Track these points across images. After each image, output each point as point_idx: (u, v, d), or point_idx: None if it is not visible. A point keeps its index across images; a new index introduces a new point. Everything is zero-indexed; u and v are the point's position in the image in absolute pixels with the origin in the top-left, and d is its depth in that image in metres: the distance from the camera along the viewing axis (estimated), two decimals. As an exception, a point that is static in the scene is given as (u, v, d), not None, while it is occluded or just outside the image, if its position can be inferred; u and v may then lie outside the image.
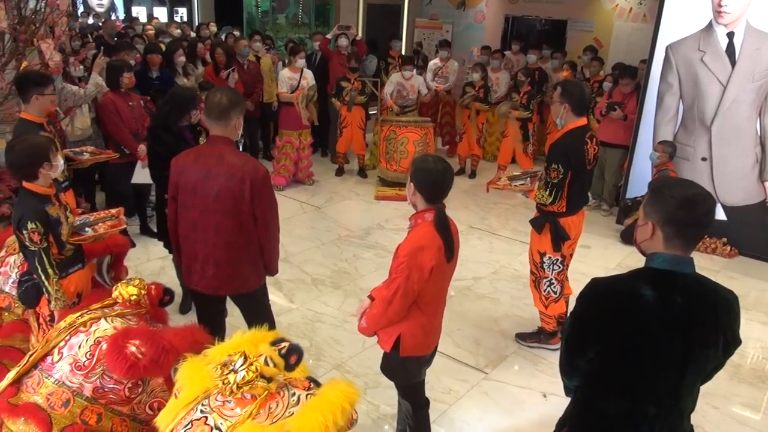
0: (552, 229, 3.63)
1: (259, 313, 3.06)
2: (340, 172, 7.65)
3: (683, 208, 1.68)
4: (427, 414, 2.78)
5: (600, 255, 5.60)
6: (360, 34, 10.56)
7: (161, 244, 4.07)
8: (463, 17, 10.99)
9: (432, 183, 2.40)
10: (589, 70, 7.63)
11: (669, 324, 1.71)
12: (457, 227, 2.56)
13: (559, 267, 3.76)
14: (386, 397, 3.39)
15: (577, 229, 3.73)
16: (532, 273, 3.88)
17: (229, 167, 2.71)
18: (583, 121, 3.50)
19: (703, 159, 5.79)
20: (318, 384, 2.12)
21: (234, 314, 3.22)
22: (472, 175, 7.76)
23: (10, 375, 2.50)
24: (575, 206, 3.63)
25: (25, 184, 2.72)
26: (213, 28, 8.66)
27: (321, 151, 8.38)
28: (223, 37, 8.30)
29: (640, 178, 6.12)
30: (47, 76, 3.60)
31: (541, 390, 3.59)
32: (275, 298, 3.31)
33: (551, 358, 3.89)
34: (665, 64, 5.83)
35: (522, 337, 4.07)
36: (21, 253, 2.96)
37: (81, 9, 9.06)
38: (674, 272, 1.73)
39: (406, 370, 2.60)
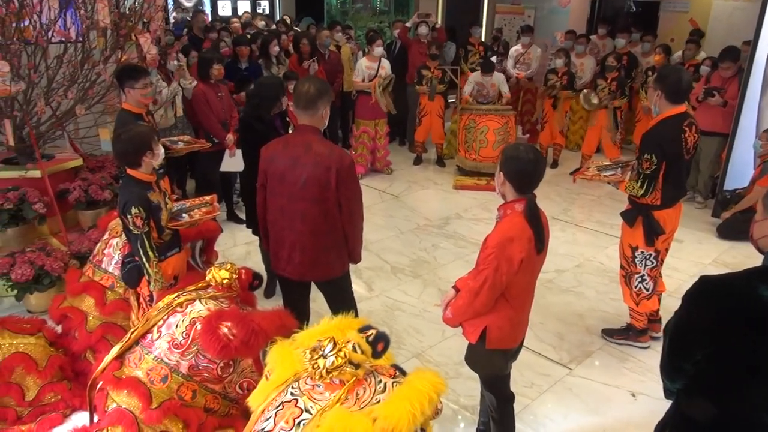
0: (645, 223, 3.45)
1: (342, 300, 3.11)
2: (418, 161, 7.62)
3: None
4: (512, 408, 2.73)
5: (694, 250, 5.28)
6: (439, 21, 10.45)
7: (247, 230, 4.21)
8: (546, 1, 10.62)
9: (523, 172, 2.33)
10: (684, 53, 7.18)
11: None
12: (547, 218, 2.48)
13: (653, 263, 3.57)
14: (467, 388, 3.36)
15: (674, 223, 3.52)
16: (622, 267, 3.71)
17: (315, 156, 2.76)
18: (680, 108, 3.29)
19: (814, 148, 5.32)
20: (403, 372, 2.13)
21: (317, 300, 3.28)
22: (554, 164, 7.52)
23: (114, 350, 2.68)
24: (671, 198, 3.43)
25: (129, 171, 2.88)
26: (287, 20, 8.82)
27: (399, 140, 8.39)
28: (304, 28, 8.46)
29: (739, 169, 5.72)
30: (140, 70, 3.78)
31: (629, 389, 3.45)
32: (355, 285, 3.36)
33: (640, 356, 3.73)
34: (773, 45, 5.38)
35: (609, 334, 3.91)
36: (123, 236, 3.15)
37: (171, 4, 9.49)
38: None
39: (491, 362, 2.56)
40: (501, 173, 2.39)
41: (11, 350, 3.02)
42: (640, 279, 3.63)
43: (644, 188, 3.33)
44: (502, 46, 8.73)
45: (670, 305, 4.21)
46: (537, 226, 2.34)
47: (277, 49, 6.42)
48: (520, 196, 2.37)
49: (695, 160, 6.13)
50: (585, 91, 6.85)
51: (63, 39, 4.30)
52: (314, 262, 2.95)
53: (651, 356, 3.70)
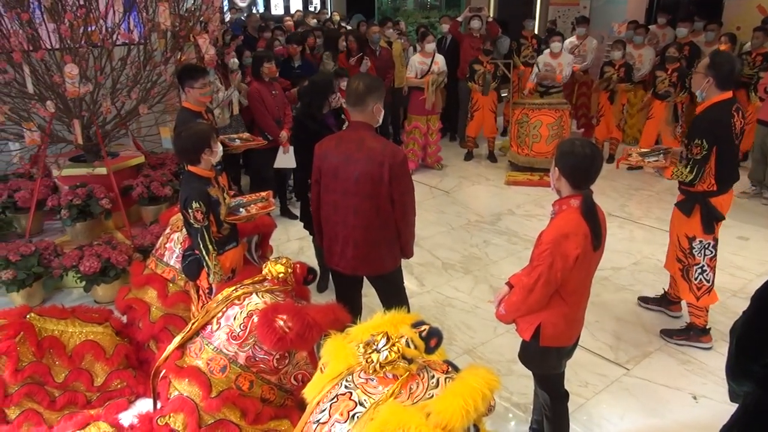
0: (703, 210, 3.39)
1: (394, 295, 3.14)
2: (469, 156, 7.57)
3: None
4: (566, 407, 2.68)
5: (760, 248, 5.04)
6: (491, 14, 10.30)
7: (300, 225, 4.29)
8: (602, -9, 10.31)
9: (579, 168, 2.29)
10: (751, 42, 6.83)
11: None
12: (604, 214, 2.43)
13: (711, 252, 3.50)
14: (519, 386, 3.33)
15: (727, 208, 3.47)
16: (679, 261, 3.61)
17: (368, 151, 2.78)
18: (728, 94, 3.29)
19: None
20: (456, 368, 2.13)
21: (369, 295, 3.32)
22: (610, 159, 7.30)
23: (176, 340, 2.79)
24: (726, 184, 3.39)
25: (189, 167, 2.99)
26: (336, 17, 8.89)
27: (449, 136, 8.34)
28: (355, 25, 8.52)
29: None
30: (199, 69, 3.89)
31: (690, 391, 3.33)
32: (406, 281, 3.38)
33: (702, 357, 3.60)
34: None
35: (668, 334, 3.79)
36: (184, 231, 3.27)
37: (226, 4, 9.72)
38: None
39: (545, 360, 2.53)
40: (556, 168, 2.35)
41: (81, 338, 3.18)
42: (699, 270, 3.54)
43: (694, 174, 3.29)
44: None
45: (734, 305, 4.07)
46: (594, 222, 2.29)
47: (344, 44, 6.56)
48: (576, 192, 2.32)
49: (763, 154, 5.86)
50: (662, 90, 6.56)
51: (126, 41, 4.48)
52: (366, 256, 2.98)
53: (714, 358, 3.57)
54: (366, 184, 2.80)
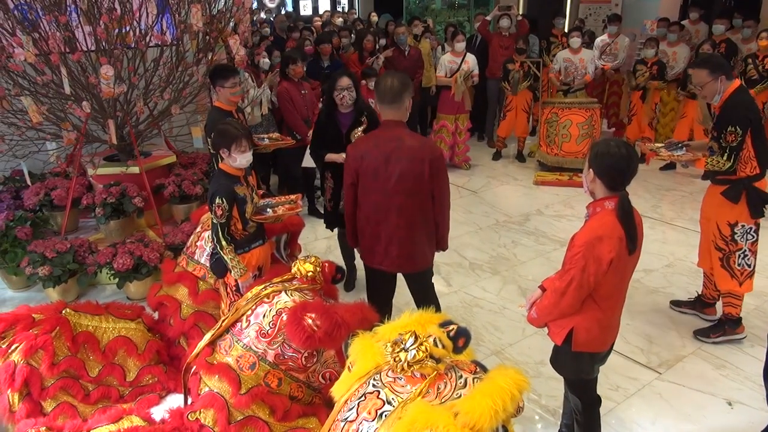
0: (750, 195, 3.40)
1: (428, 291, 3.19)
2: (497, 156, 7.51)
3: None
4: (598, 413, 2.63)
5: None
6: (520, 12, 10.21)
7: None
8: (634, -12, 10.12)
9: (614, 169, 2.24)
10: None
11: None
12: (640, 217, 2.38)
13: (753, 236, 3.52)
14: (548, 388, 3.29)
15: None
16: (719, 250, 3.57)
17: (409, 150, 2.82)
18: (738, 81, 3.38)
19: None
20: (484, 369, 2.12)
21: (396, 295, 3.31)
22: (642, 159, 7.17)
23: (207, 337, 2.83)
24: (765, 166, 3.41)
25: (220, 164, 3.03)
26: (374, 18, 8.89)
27: (477, 135, 8.29)
28: (383, 25, 8.52)
29: None
30: (230, 69, 3.93)
31: (725, 397, 3.25)
32: (433, 280, 3.38)
33: (738, 362, 3.51)
34: None
35: (704, 334, 3.71)
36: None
37: (255, 5, 9.84)
38: None
39: (577, 365, 2.48)
40: (590, 170, 2.30)
41: (115, 334, 3.26)
42: (742, 255, 3.53)
43: (731, 161, 3.33)
44: (587, 36, 8.40)
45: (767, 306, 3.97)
46: (629, 224, 2.25)
47: (369, 45, 6.58)
48: (611, 194, 2.28)
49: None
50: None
51: (159, 43, 4.56)
52: (411, 254, 3.01)
53: (750, 363, 3.48)
54: (408, 182, 2.84)
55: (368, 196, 2.92)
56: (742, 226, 3.48)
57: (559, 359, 2.54)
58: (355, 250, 4.28)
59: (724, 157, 3.32)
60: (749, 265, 3.55)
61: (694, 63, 3.61)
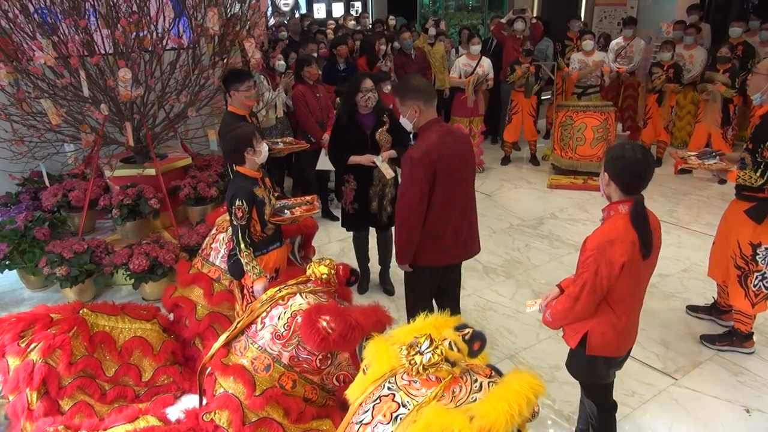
0: None
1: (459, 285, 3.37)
2: (506, 161, 7.47)
3: None
4: (614, 418, 2.62)
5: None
6: (534, 15, 10.17)
7: (340, 226, 4.32)
8: (650, -10, 10.05)
9: (629, 172, 2.22)
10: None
11: None
12: (659, 222, 2.36)
13: None
14: (563, 393, 3.27)
15: None
16: (738, 268, 3.47)
17: (463, 139, 3.02)
18: None
19: None
20: (499, 372, 2.11)
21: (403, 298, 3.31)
22: (658, 163, 7.10)
23: (222, 338, 2.85)
24: None
25: (237, 167, 3.05)
26: (392, 21, 8.89)
27: (491, 138, 8.27)
28: (397, 28, 8.53)
29: None
30: (244, 73, 3.94)
31: (743, 404, 3.21)
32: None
33: (755, 369, 3.46)
34: None
35: (710, 340, 3.68)
36: (230, 231, 3.33)
37: (270, 9, 9.88)
38: None
39: (591, 369, 2.46)
40: (606, 173, 2.29)
41: (131, 334, 3.29)
42: (760, 277, 3.41)
43: (765, 178, 3.17)
44: (602, 39, 8.36)
45: (790, 316, 3.91)
46: (643, 229, 2.22)
47: (384, 47, 6.62)
48: (626, 198, 2.27)
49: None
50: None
51: (176, 46, 4.61)
52: (476, 235, 3.20)
53: (768, 370, 3.44)
54: (470, 170, 3.05)
55: (443, 194, 2.89)
56: (766, 248, 3.35)
57: (574, 363, 2.53)
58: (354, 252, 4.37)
59: (758, 173, 3.17)
60: (766, 288, 3.43)
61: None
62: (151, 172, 4.68)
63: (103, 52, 4.34)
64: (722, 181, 6.50)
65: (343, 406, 2.35)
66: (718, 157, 3.52)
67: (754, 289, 3.44)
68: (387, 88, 5.37)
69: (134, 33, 4.28)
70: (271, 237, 3.15)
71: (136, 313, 3.43)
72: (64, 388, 2.99)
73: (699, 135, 6.58)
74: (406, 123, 2.96)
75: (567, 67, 7.43)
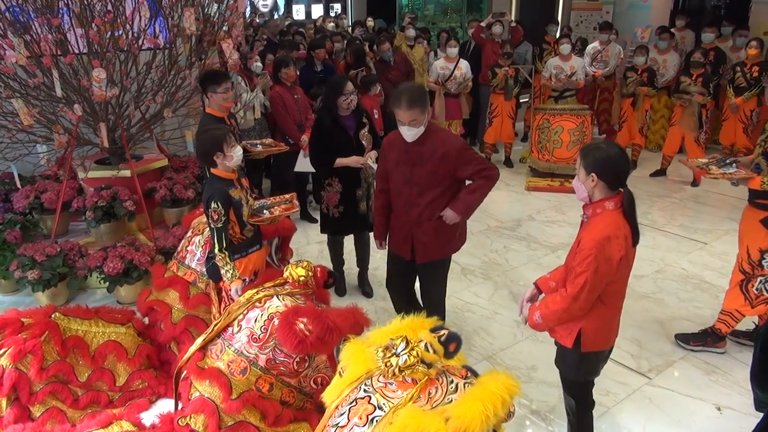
0: None
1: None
2: (486, 162, 7.52)
3: None
4: (591, 415, 2.65)
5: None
6: (512, 19, 10.27)
7: (319, 228, 4.29)
8: (626, -5, 10.21)
9: (616, 169, 2.30)
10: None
11: None
12: None
13: None
14: (539, 393, 3.30)
15: None
16: (743, 272, 3.49)
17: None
18: None
19: None
20: (475, 374, 2.12)
21: (387, 298, 3.32)
22: (633, 165, 7.23)
23: (198, 341, 2.82)
24: None
25: (212, 169, 3.02)
26: (370, 23, 8.88)
27: (470, 141, 8.32)
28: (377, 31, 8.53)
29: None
30: (222, 74, 3.90)
31: (714, 402, 3.27)
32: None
33: (726, 368, 3.53)
34: None
35: (684, 340, 3.74)
36: (205, 234, 3.31)
37: (248, 9, 9.80)
38: None
39: (585, 366, 2.49)
40: (592, 174, 2.31)
41: (104, 338, 3.23)
42: (763, 281, 3.45)
43: None
44: (580, 43, 8.47)
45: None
46: (634, 219, 2.31)
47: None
48: (611, 194, 2.33)
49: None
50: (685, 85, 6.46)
51: (152, 46, 4.55)
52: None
53: (738, 368, 3.50)
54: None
55: None
56: None
57: (567, 361, 2.54)
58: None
59: None
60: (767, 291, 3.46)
61: None
62: (127, 173, 4.61)
63: (77, 51, 4.27)
64: (695, 184, 6.63)
65: (321, 409, 2.34)
66: (734, 164, 3.50)
67: (755, 292, 3.48)
68: (375, 90, 5.45)
69: (109, 32, 4.22)
70: (250, 239, 3.12)
71: (111, 316, 3.38)
72: (35, 393, 2.94)
73: (673, 138, 6.70)
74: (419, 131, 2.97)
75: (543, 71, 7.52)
